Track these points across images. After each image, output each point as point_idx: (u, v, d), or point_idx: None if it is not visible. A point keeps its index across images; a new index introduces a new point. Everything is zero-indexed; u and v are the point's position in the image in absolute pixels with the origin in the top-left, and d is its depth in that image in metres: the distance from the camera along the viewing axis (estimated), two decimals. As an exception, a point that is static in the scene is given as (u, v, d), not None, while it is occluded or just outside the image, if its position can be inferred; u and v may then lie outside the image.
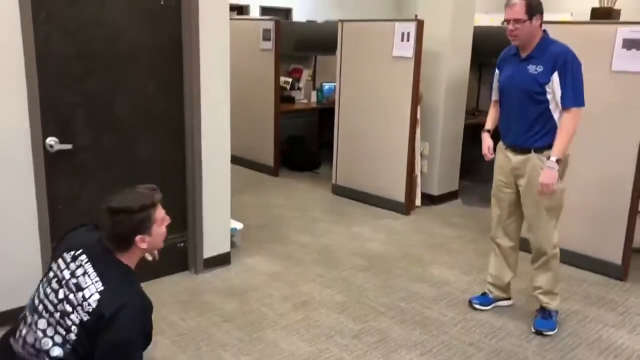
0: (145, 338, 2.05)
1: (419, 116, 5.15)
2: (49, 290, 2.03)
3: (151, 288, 3.56)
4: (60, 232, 3.19)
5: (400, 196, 5.20)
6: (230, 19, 3.67)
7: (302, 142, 6.81)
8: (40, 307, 2.01)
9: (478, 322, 3.31)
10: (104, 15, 3.15)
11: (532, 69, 2.97)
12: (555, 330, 3.22)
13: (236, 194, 5.42)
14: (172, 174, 3.62)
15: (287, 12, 13.78)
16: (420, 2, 5.35)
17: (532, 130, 3.03)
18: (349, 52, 5.44)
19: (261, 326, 3.19)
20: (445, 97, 5.28)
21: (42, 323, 1.99)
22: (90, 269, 2.00)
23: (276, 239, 4.50)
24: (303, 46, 6.65)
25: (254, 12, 13.12)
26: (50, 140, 3.05)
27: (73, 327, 1.94)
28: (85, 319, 1.92)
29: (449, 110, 5.35)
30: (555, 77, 2.91)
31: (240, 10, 12.60)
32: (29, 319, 2.03)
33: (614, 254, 3.91)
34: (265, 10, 13.20)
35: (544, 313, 3.26)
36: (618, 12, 4.57)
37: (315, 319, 3.29)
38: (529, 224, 3.19)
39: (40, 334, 1.97)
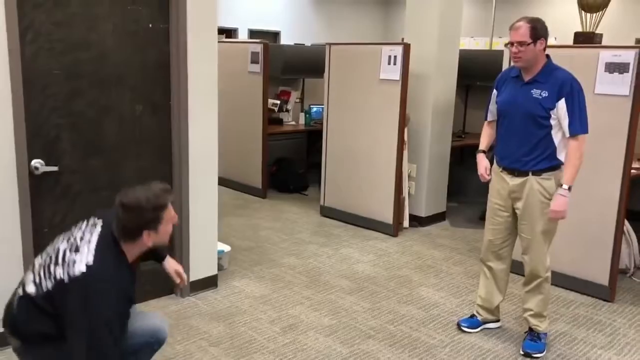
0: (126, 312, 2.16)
1: (406, 138, 5.19)
2: (60, 241, 2.20)
3: (137, 312, 3.51)
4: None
5: (388, 218, 5.20)
6: (219, 42, 3.70)
7: (290, 164, 6.82)
8: (47, 251, 2.20)
9: (467, 345, 3.30)
10: (92, 37, 3.16)
11: (537, 93, 2.99)
12: (544, 352, 3.21)
13: (224, 216, 5.39)
14: (159, 196, 3.60)
15: (275, 35, 13.92)
16: (407, 25, 5.43)
17: (532, 153, 3.04)
18: (337, 74, 5.49)
19: (248, 350, 3.15)
20: (432, 120, 5.32)
21: (37, 261, 2.18)
22: (94, 242, 2.12)
23: (264, 261, 4.47)
24: (291, 69, 6.69)
25: (243, 35, 13.24)
26: (36, 163, 3.02)
27: (52, 279, 2.06)
28: (65, 279, 2.03)
29: (435, 133, 5.39)
30: (562, 104, 2.93)
31: (229, 33, 12.70)
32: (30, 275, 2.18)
33: (601, 275, 3.92)
34: (253, 34, 13.33)
35: (533, 335, 3.25)
36: (600, 36, 4.65)
37: (304, 342, 3.26)
38: (524, 247, 3.19)
39: (30, 272, 2.15)
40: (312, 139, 7.03)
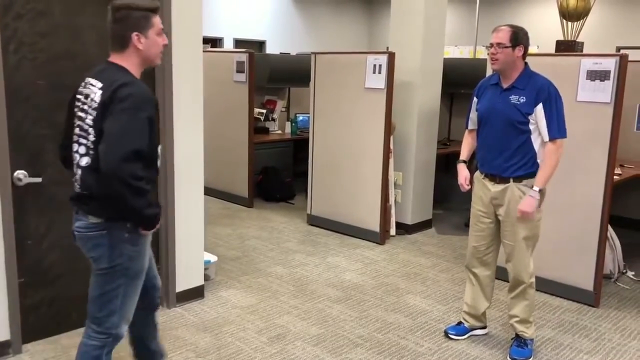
0: (151, 122, 2.15)
1: (392, 146, 5.21)
2: (73, 120, 2.26)
3: (122, 324, 3.48)
4: (29, 268, 3.11)
5: (375, 226, 5.21)
6: (204, 51, 3.70)
7: (276, 173, 6.81)
8: (72, 137, 2.25)
9: (454, 352, 3.30)
10: (76, 47, 3.14)
11: (515, 99, 3.03)
12: (531, 358, 3.22)
13: (210, 225, 5.37)
14: (144, 207, 3.57)
15: (260, 44, 13.93)
16: (391, 34, 5.47)
17: (512, 159, 3.07)
18: (322, 83, 5.51)
19: (236, 361, 3.13)
20: (417, 128, 5.35)
21: (75, 147, 2.23)
22: (93, 80, 2.20)
23: (251, 271, 4.45)
24: (277, 78, 6.70)
25: (228, 45, 13.24)
26: (19, 174, 2.99)
27: (90, 130, 2.15)
28: (94, 115, 2.14)
29: (421, 140, 5.43)
30: (540, 109, 2.97)
31: (214, 43, 12.69)
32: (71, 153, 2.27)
33: (586, 281, 3.96)
34: (239, 43, 13.33)
35: (520, 341, 3.26)
36: (581, 44, 4.73)
37: (291, 352, 3.24)
38: (507, 253, 3.21)
39: (75, 155, 2.22)
40: (298, 147, 7.03)
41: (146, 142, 2.12)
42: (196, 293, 3.85)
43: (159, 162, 2.33)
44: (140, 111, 2.10)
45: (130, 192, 2.06)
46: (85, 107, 2.18)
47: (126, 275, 2.27)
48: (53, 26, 3.04)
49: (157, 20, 2.24)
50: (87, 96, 2.19)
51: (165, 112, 3.49)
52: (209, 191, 6.22)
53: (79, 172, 2.21)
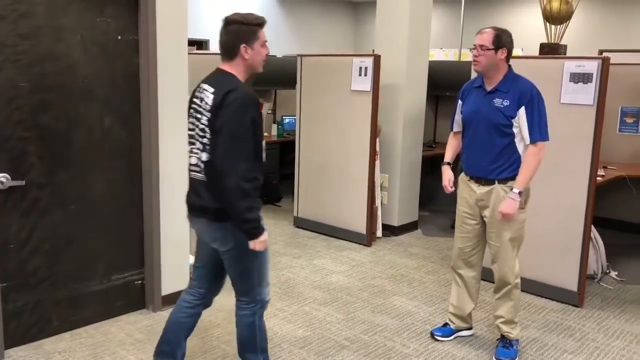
0: (255, 123, 2.41)
1: (378, 148, 5.23)
2: (190, 120, 2.53)
3: (107, 328, 3.45)
4: (11, 272, 3.08)
5: (361, 228, 5.22)
6: (190, 53, 3.68)
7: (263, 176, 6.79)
8: (192, 135, 2.52)
9: (440, 353, 3.32)
10: (59, 49, 3.11)
11: (498, 102, 3.05)
12: (516, 358, 3.24)
13: (196, 228, 5.34)
14: (129, 210, 3.55)
15: (246, 46, 13.90)
16: (377, 37, 5.49)
17: (497, 162, 3.09)
18: (309, 86, 5.51)
19: (222, 364, 3.12)
20: (403, 130, 5.37)
21: (195, 145, 2.50)
22: (205, 85, 2.50)
23: (237, 273, 4.43)
24: (263, 80, 6.64)
25: (214, 47, 13.20)
26: (1, 177, 2.95)
27: (206, 130, 2.44)
28: (208, 116, 2.42)
29: (407, 142, 5.45)
30: (522, 111, 2.99)
31: (200, 45, 12.65)
32: (190, 149, 2.55)
33: (570, 281, 4.00)
34: (225, 45, 13.28)
35: (505, 342, 3.28)
36: (564, 47, 4.78)
37: (278, 355, 3.23)
38: (493, 254, 3.22)
39: (196, 152, 2.50)
40: (284, 150, 7.02)
41: (252, 141, 2.40)
42: (182, 296, 3.82)
43: (264, 155, 2.59)
44: (245, 114, 2.38)
45: (239, 193, 2.34)
46: (200, 109, 2.47)
47: (253, 251, 2.48)
48: (36, 28, 3.01)
49: (262, 33, 2.51)
50: (201, 100, 2.48)
51: (150, 115, 3.47)
52: (194, 194, 6.18)
53: (202, 165, 2.49)
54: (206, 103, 2.44)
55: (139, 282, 3.67)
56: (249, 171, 2.37)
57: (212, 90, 2.44)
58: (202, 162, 2.48)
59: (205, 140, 2.45)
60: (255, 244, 2.43)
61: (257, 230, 2.42)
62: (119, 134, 3.44)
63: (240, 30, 2.45)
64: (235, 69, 2.49)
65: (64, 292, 3.33)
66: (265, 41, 2.52)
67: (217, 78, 2.50)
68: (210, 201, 2.48)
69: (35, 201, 3.13)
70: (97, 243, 3.43)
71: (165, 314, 3.65)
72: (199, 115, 2.48)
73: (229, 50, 2.48)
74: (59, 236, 3.25)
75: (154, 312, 3.67)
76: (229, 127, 2.36)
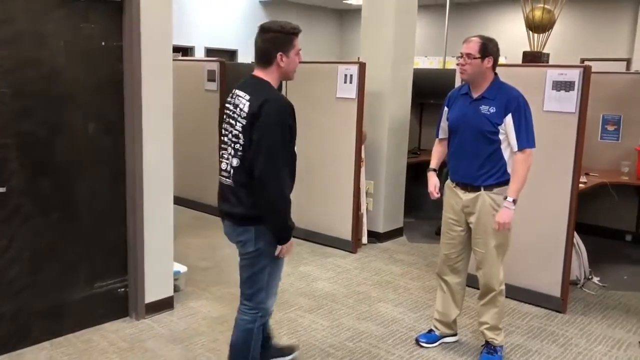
0: (291, 130, 2.49)
1: (363, 155, 5.24)
2: (224, 126, 2.60)
3: (89, 336, 3.41)
4: (-9, 280, 3.03)
5: (347, 234, 5.22)
6: (174, 60, 3.67)
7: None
8: (224, 141, 2.59)
9: (425, 360, 3.32)
10: (42, 54, 3.08)
11: (485, 109, 3.07)
12: (501, 364, 3.26)
13: (180, 236, 5.30)
14: (112, 217, 3.52)
15: (232, 53, 13.90)
16: (362, 45, 5.51)
17: (483, 168, 3.11)
18: (294, 93, 5.51)
19: (206, 373, 3.09)
20: (388, 137, 5.40)
21: (226, 150, 2.57)
22: (240, 92, 2.54)
23: (221, 281, 4.41)
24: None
25: (199, 54, 13.17)
26: (-19, 184, 2.91)
27: (240, 135, 2.49)
28: (243, 123, 2.46)
29: (392, 149, 5.47)
30: (509, 119, 3.02)
31: (185, 51, 12.61)
32: (221, 154, 2.63)
33: (553, 287, 4.03)
34: (210, 52, 13.28)
35: (490, 348, 3.29)
36: (547, 55, 4.84)
37: (262, 362, 3.21)
38: (478, 261, 3.24)
39: (227, 157, 2.58)
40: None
41: (290, 147, 2.50)
42: (166, 304, 3.79)
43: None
44: (282, 123, 2.44)
45: (282, 201, 2.48)
46: (235, 115, 2.52)
47: (268, 258, 2.60)
48: (17, 33, 2.98)
49: (297, 42, 2.56)
50: (236, 106, 2.52)
51: (134, 121, 3.45)
52: (180, 201, 6.15)
53: (231, 171, 2.56)
54: (241, 110, 2.48)
55: (122, 289, 3.63)
56: (289, 179, 2.51)
57: (247, 97, 2.49)
58: (232, 167, 2.55)
59: (237, 146, 2.50)
60: (283, 249, 2.57)
61: (290, 236, 2.57)
62: (102, 141, 3.41)
63: (277, 38, 2.50)
64: (270, 76, 2.54)
65: (45, 301, 3.29)
66: (300, 50, 2.57)
67: (252, 85, 2.54)
68: (235, 206, 2.57)
69: (17, 208, 3.09)
70: (80, 250, 3.39)
71: (149, 322, 3.62)
72: (232, 122, 2.53)
73: (264, 57, 2.52)
74: (40, 244, 3.21)
75: (137, 321, 3.64)
76: (268, 138, 2.41)
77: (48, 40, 3.10)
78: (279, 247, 2.57)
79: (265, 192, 2.45)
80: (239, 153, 2.50)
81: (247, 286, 2.68)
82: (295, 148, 2.59)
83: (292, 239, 2.60)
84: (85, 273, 3.44)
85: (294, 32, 2.53)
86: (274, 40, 2.50)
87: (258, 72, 2.56)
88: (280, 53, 2.50)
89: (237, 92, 2.56)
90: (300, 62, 2.60)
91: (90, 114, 3.33)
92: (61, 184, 3.26)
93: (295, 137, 2.54)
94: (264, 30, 2.52)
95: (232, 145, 2.53)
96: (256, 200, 2.49)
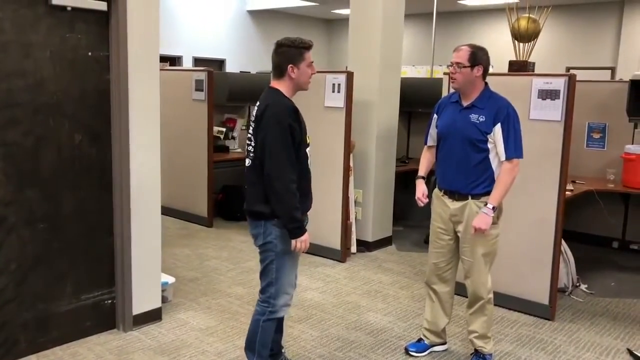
0: (293, 130, 2.70)
1: (351, 164, 5.24)
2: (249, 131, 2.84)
3: (75, 349, 3.36)
4: (-25, 292, 2.98)
5: (335, 243, 5.21)
6: (162, 69, 3.66)
7: (237, 192, 6.75)
8: (248, 144, 2.82)
9: (415, 369, 3.31)
10: (27, 64, 3.06)
11: (475, 117, 3.08)
12: (490, 373, 3.26)
13: (168, 246, 5.27)
14: (99, 228, 3.49)
15: (220, 63, 13.90)
16: (350, 54, 5.53)
17: (471, 177, 3.12)
18: (282, 102, 5.51)
19: (194, 384, 3.06)
20: (376, 146, 5.41)
21: (248, 150, 2.83)
22: (259, 101, 2.80)
23: (210, 291, 4.38)
24: (237, 96, 6.68)
25: (187, 63, 13.15)
26: (-34, 195, 2.88)
27: (252, 138, 2.76)
28: (254, 126, 2.75)
29: (380, 158, 5.48)
30: (498, 128, 3.04)
31: (173, 61, 12.59)
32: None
33: (542, 295, 4.04)
34: (198, 62, 13.27)
35: (479, 357, 3.30)
36: (532, 64, 4.88)
37: (251, 373, 3.18)
38: (466, 270, 3.24)
39: (246, 159, 2.83)
40: (258, 166, 6.98)
41: (290, 146, 2.68)
42: (153, 315, 3.75)
43: (309, 160, 2.89)
44: (281, 123, 2.66)
45: (286, 194, 2.67)
46: (251, 121, 2.81)
47: (275, 251, 2.78)
48: (3, 43, 2.96)
49: (308, 55, 2.79)
50: (254, 114, 2.79)
51: (121, 131, 3.43)
52: (167, 211, 6.12)
53: (246, 170, 2.83)
54: (254, 115, 2.78)
55: (109, 301, 3.59)
56: (292, 174, 2.70)
57: (258, 104, 2.78)
58: (246, 167, 2.82)
59: (250, 148, 2.79)
60: (297, 243, 2.71)
61: (300, 230, 2.72)
62: (89, 151, 3.38)
63: (288, 52, 2.75)
64: (283, 86, 2.79)
65: (31, 313, 3.24)
66: (312, 62, 2.81)
67: (265, 94, 2.81)
68: (248, 202, 2.83)
69: (3, 219, 3.06)
70: (66, 262, 3.36)
71: (136, 334, 3.58)
72: (250, 128, 2.81)
73: (278, 69, 2.79)
74: (26, 255, 3.17)
75: (125, 332, 3.60)
76: (269, 138, 2.66)
77: (34, 50, 3.08)
78: (293, 242, 2.72)
79: (272, 188, 2.67)
80: (251, 154, 2.78)
81: (261, 279, 2.88)
82: (308, 150, 2.86)
83: (307, 236, 2.76)
84: (72, 285, 3.40)
85: (303, 46, 2.76)
86: (286, 54, 2.75)
87: (273, 83, 2.82)
88: (291, 65, 2.74)
89: (259, 101, 2.83)
90: (314, 73, 2.84)
91: (77, 124, 3.31)
92: (47, 194, 3.23)
93: (302, 137, 2.77)
94: (277, 45, 2.77)
95: (248, 148, 2.80)
96: (267, 195, 2.71)
